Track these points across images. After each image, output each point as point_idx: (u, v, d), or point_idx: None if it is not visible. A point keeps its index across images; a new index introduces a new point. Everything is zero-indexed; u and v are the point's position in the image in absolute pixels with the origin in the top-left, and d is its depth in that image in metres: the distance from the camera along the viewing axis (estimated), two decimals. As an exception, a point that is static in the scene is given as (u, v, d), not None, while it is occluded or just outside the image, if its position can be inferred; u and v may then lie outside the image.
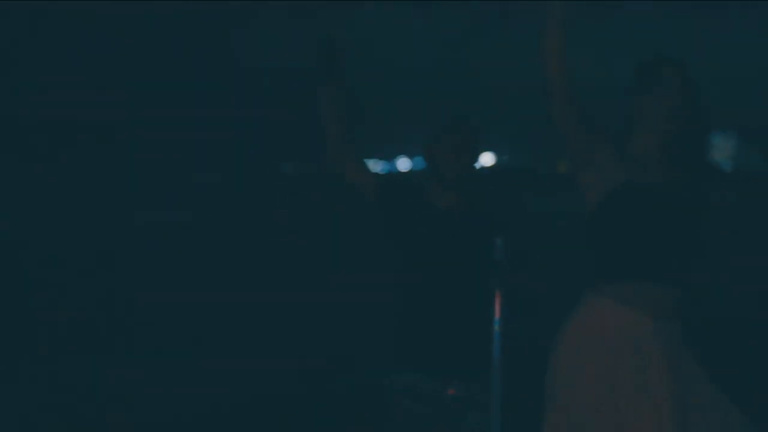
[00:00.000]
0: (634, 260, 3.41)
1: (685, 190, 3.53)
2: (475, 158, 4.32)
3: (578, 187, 3.53)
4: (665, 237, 3.42)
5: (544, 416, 3.50)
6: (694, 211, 3.49)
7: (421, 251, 4.23)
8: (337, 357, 7.92)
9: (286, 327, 9.00)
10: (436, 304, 4.15)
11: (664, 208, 3.44)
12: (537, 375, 3.59)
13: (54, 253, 11.83)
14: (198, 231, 15.18)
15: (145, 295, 10.00)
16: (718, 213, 3.59)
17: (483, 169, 4.41)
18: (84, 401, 6.73)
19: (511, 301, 3.98)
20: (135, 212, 15.36)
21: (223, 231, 15.39)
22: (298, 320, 9.27)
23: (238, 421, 6.55)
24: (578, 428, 3.38)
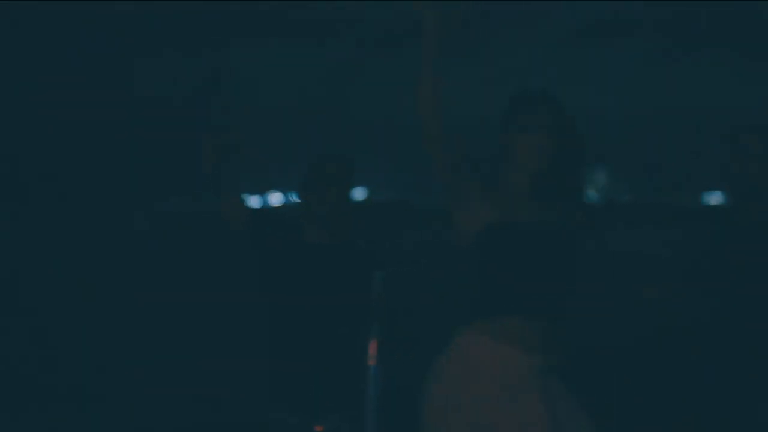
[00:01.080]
0: (508, 296, 3.46)
1: (557, 225, 3.59)
2: (348, 193, 4.33)
3: (453, 223, 3.54)
4: (539, 273, 3.48)
5: None
6: (567, 245, 3.54)
7: (292, 288, 4.23)
8: (209, 394, 7.83)
9: (157, 362, 8.87)
10: (306, 341, 4.17)
11: (536, 244, 3.50)
12: (413, 411, 3.59)
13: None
14: (60, 265, 14.87)
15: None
16: (592, 245, 3.64)
17: (356, 203, 4.43)
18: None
19: (389, 336, 3.99)
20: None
21: (93, 266, 15.10)
22: (169, 355, 9.15)
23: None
24: None
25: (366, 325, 4.06)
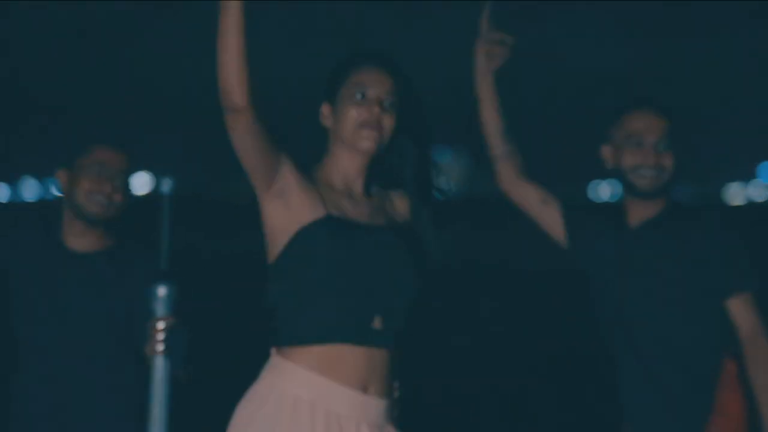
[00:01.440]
0: (329, 318, 3.43)
1: (398, 223, 3.61)
2: (126, 184, 4.30)
3: (263, 222, 3.50)
4: (372, 287, 3.46)
5: None
6: (414, 252, 3.54)
7: (48, 305, 4.24)
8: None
9: None
10: (68, 372, 4.22)
11: (372, 249, 3.48)
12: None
13: None
14: None
15: None
16: (443, 249, 3.64)
17: (138, 197, 4.42)
18: None
19: (177, 363, 4.01)
20: None
21: None
22: None
23: None
24: None
25: (143, 348, 4.08)
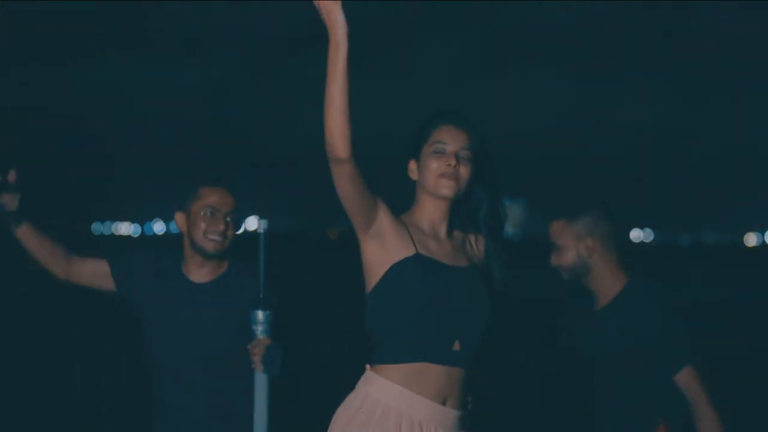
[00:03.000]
0: (416, 341, 3.43)
1: (475, 261, 3.60)
2: (237, 220, 4.30)
3: (361, 257, 3.50)
4: (453, 316, 3.45)
5: None
6: (488, 287, 3.54)
7: (174, 326, 4.26)
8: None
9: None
10: (193, 375, 4.23)
11: (453, 283, 3.48)
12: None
13: None
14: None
15: None
16: (509, 286, 3.61)
17: (241, 235, 4.44)
18: None
19: (274, 375, 4.06)
20: None
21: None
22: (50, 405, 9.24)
23: None
24: None
25: (250, 367, 4.09)
